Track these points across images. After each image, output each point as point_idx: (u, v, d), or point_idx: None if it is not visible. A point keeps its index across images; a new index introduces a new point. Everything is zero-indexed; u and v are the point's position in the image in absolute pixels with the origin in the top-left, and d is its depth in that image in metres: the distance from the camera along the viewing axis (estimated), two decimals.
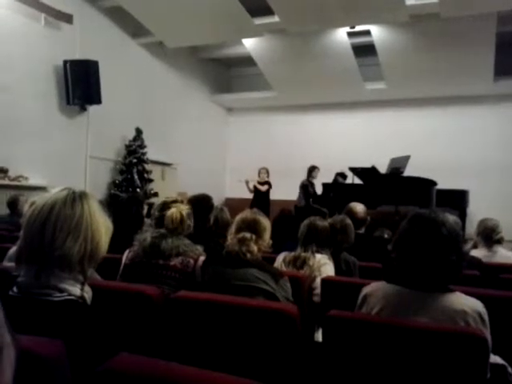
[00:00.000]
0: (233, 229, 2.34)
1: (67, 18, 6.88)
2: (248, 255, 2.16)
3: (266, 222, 2.33)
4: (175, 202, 2.47)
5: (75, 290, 1.20)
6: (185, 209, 2.42)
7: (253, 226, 2.27)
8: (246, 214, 2.36)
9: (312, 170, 8.35)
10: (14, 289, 1.20)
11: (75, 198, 1.22)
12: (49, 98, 6.90)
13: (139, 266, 2.26)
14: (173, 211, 2.40)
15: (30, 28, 6.55)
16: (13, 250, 2.38)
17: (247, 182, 8.59)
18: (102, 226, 1.26)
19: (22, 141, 6.33)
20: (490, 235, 3.73)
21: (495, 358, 1.66)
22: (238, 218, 2.36)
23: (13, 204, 5.03)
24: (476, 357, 1.42)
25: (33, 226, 1.19)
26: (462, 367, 1.43)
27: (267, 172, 8.69)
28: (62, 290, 1.17)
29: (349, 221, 3.38)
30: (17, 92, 6.30)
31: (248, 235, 2.21)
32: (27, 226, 1.20)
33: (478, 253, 3.63)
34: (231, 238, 2.25)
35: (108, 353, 1.03)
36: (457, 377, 1.44)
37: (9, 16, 6.29)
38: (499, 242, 3.83)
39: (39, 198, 1.24)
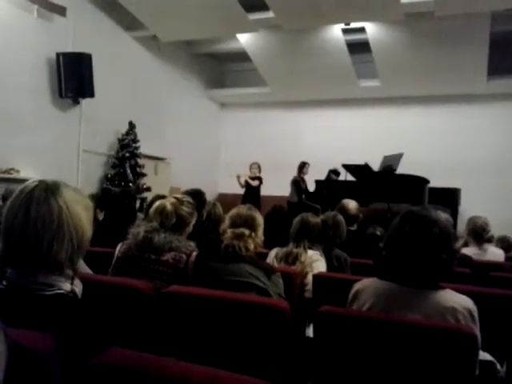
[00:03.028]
0: (227, 223, 2.33)
1: (60, 10, 6.81)
2: (243, 250, 2.17)
3: (260, 219, 2.34)
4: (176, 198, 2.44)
5: (65, 284, 1.19)
6: (174, 201, 2.39)
7: (249, 223, 2.28)
8: (242, 209, 2.36)
9: (302, 166, 8.37)
10: (4, 282, 1.19)
11: (48, 197, 1.16)
12: (41, 91, 6.83)
13: (131, 260, 2.25)
14: (158, 203, 2.38)
15: (22, 20, 6.47)
16: None
17: (238, 177, 8.59)
18: (82, 212, 1.20)
19: (13, 133, 6.27)
20: (480, 234, 3.76)
21: (484, 355, 1.68)
22: (233, 212, 2.36)
23: (7, 198, 4.98)
24: (465, 353, 1.43)
25: (12, 232, 1.14)
26: (451, 363, 1.45)
27: (259, 167, 8.69)
28: (51, 285, 1.16)
29: (341, 217, 3.40)
30: (8, 84, 6.24)
31: (247, 232, 2.22)
32: (6, 230, 1.15)
33: (469, 251, 3.66)
34: (229, 233, 2.24)
35: (99, 347, 1.03)
36: (446, 373, 1.46)
37: (1, 7, 6.22)
38: (490, 240, 3.87)
39: (12, 197, 1.18)
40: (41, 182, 1.19)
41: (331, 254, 3.09)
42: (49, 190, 1.17)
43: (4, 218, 1.17)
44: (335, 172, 8.47)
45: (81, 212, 1.20)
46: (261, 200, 8.29)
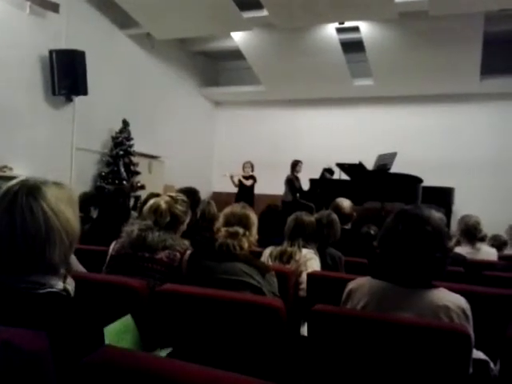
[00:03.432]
0: (221, 222, 2.33)
1: (53, 7, 6.76)
2: (237, 249, 2.16)
3: (254, 218, 2.34)
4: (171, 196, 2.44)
5: (58, 282, 1.18)
6: (168, 200, 2.39)
7: (243, 221, 2.27)
8: (236, 207, 2.36)
9: (295, 164, 8.35)
10: None
11: (31, 203, 1.12)
12: (34, 88, 6.79)
13: (125, 258, 2.24)
14: (152, 202, 2.38)
15: (14, 16, 6.42)
16: None
17: (231, 177, 8.58)
18: (67, 208, 1.17)
19: (6, 131, 6.23)
20: (472, 233, 3.78)
21: (478, 354, 1.69)
22: (227, 211, 2.35)
23: None
24: (459, 352, 1.43)
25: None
26: (445, 362, 1.45)
27: (251, 166, 8.67)
28: (44, 284, 1.15)
29: (335, 216, 3.40)
30: (1, 81, 6.19)
31: (241, 230, 2.21)
32: None
33: (462, 250, 3.67)
34: (223, 231, 2.24)
35: (93, 345, 1.02)
36: (440, 371, 1.46)
37: None
38: (483, 239, 3.89)
39: None
40: (22, 184, 1.16)
41: (325, 252, 3.09)
42: (31, 193, 1.14)
43: None
44: (329, 171, 8.48)
45: (66, 209, 1.17)
46: (254, 199, 8.29)
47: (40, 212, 1.12)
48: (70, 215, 1.18)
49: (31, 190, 1.14)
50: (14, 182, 1.18)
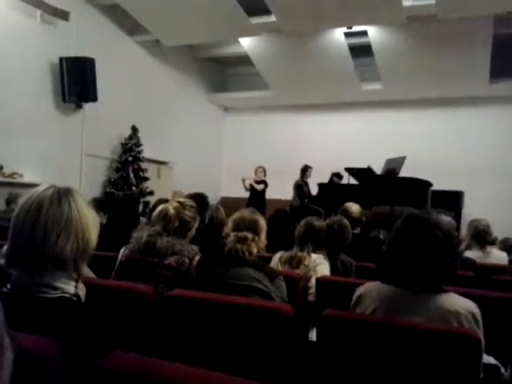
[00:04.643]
0: (230, 227, 2.33)
1: (64, 15, 6.85)
2: (246, 254, 2.17)
3: (263, 223, 2.34)
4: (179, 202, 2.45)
5: (69, 287, 1.20)
6: (176, 205, 2.40)
7: (252, 226, 2.27)
8: (245, 212, 2.36)
9: (305, 169, 8.35)
10: (8, 286, 1.19)
11: (61, 196, 1.21)
12: (44, 95, 6.86)
13: (134, 264, 2.25)
14: (161, 207, 2.39)
15: (25, 24, 6.51)
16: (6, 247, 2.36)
17: (243, 180, 8.58)
18: (90, 220, 1.25)
19: (17, 137, 6.30)
20: (482, 237, 3.75)
21: (488, 359, 1.67)
22: (236, 216, 2.36)
23: (10, 202, 5.00)
24: (469, 357, 1.42)
25: (22, 229, 1.18)
26: (455, 367, 1.44)
27: (264, 171, 8.67)
28: (56, 288, 1.17)
29: (346, 222, 3.38)
30: (12, 88, 6.27)
31: (250, 235, 2.22)
32: (15, 229, 1.19)
33: (472, 254, 3.64)
34: (232, 236, 2.24)
35: (102, 351, 1.03)
36: (450, 377, 1.45)
37: (4, 12, 6.25)
38: (493, 243, 3.85)
39: (24, 198, 1.23)
40: (53, 185, 1.25)
41: (336, 258, 3.08)
42: (61, 192, 1.23)
43: (14, 219, 1.20)
44: (338, 175, 8.46)
45: (89, 217, 1.25)
46: (266, 204, 8.27)
47: (66, 205, 1.21)
48: (91, 224, 1.25)
49: (63, 189, 1.24)
50: (45, 185, 1.28)
